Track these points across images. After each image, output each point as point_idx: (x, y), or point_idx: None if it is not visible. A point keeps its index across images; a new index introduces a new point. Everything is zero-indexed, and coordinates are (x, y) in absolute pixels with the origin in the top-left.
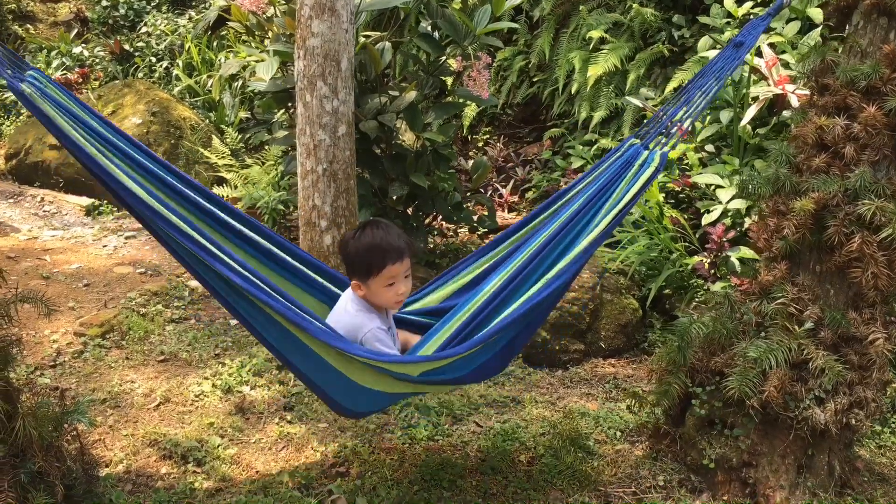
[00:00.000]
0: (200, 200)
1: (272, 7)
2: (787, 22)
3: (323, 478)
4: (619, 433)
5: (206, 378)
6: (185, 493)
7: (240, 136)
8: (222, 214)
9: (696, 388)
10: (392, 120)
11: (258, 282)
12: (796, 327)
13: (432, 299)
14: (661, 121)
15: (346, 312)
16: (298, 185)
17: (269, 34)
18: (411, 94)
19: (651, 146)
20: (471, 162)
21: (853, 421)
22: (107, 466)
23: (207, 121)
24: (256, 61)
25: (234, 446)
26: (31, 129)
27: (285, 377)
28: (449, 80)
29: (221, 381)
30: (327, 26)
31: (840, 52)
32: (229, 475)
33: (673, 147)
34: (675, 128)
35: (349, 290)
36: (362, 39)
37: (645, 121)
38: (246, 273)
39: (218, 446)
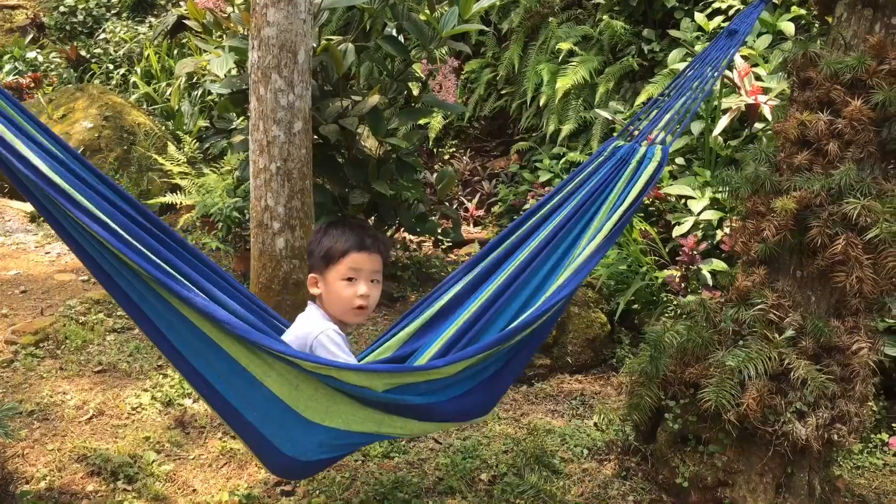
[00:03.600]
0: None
1: (230, 6)
2: (759, 35)
3: (266, 497)
4: (586, 451)
5: (146, 390)
6: None
7: (198, 146)
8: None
9: (668, 400)
10: (353, 124)
11: (173, 272)
12: (776, 335)
13: (392, 345)
14: (654, 116)
15: (297, 323)
16: (251, 185)
17: (227, 32)
18: (374, 98)
19: (645, 143)
20: (436, 175)
21: (835, 437)
22: (27, 483)
23: (165, 128)
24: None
25: (171, 462)
26: None
27: None
28: (415, 88)
29: (162, 393)
30: (283, 15)
31: (821, 44)
32: (163, 494)
33: (673, 141)
34: (674, 121)
35: (307, 308)
36: (325, 42)
37: (630, 120)
38: (159, 261)
39: (153, 462)
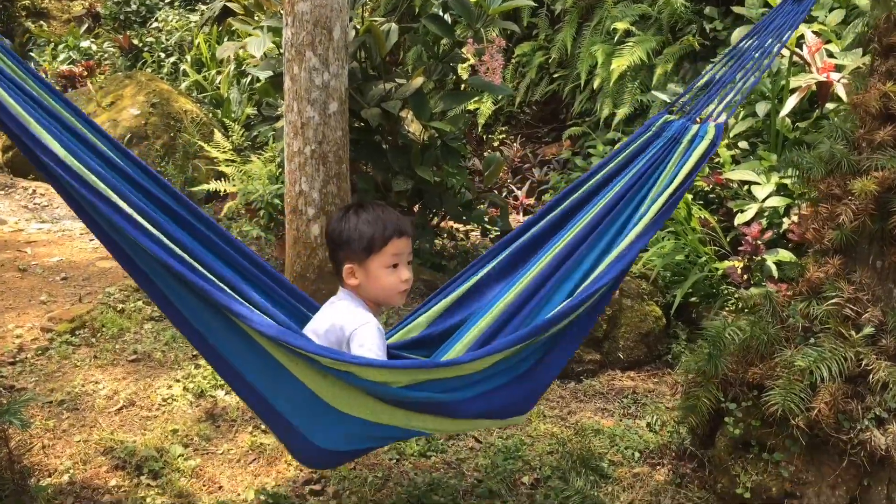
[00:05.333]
0: (144, 183)
1: None
2: (830, 10)
3: (294, 497)
4: (637, 454)
5: (178, 380)
6: None
7: (245, 134)
8: (174, 205)
9: (729, 403)
10: (396, 107)
11: (198, 266)
12: (852, 333)
13: (420, 323)
14: (709, 89)
15: (333, 309)
16: (285, 169)
17: (267, 13)
18: (418, 80)
19: (701, 119)
20: (484, 161)
21: None
22: (49, 475)
23: (212, 115)
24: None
25: (198, 457)
26: None
27: None
28: (463, 71)
29: (194, 384)
30: None
31: None
32: (187, 490)
33: (727, 118)
34: (731, 98)
35: (336, 295)
36: (368, 21)
37: (680, 95)
38: (184, 255)
39: (179, 457)
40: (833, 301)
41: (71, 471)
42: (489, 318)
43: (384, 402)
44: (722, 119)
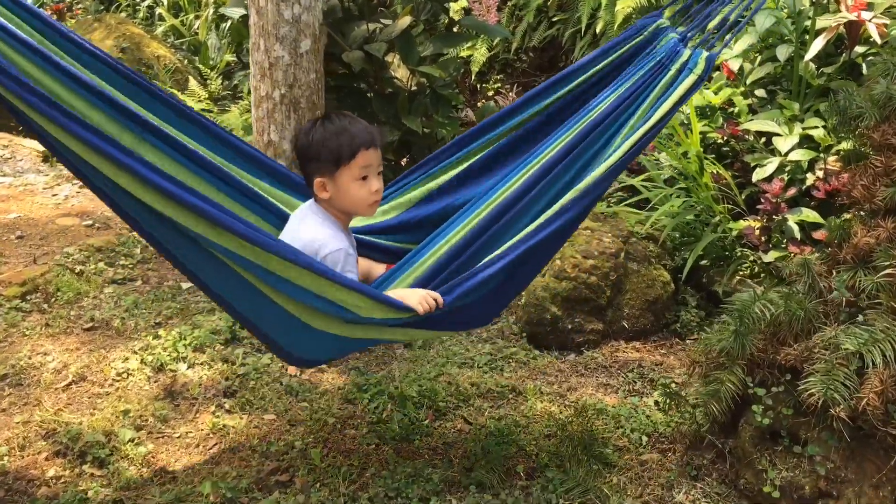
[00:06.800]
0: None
1: None
2: None
3: (256, 489)
4: (645, 438)
5: (135, 352)
6: None
7: (224, 83)
8: (142, 113)
9: (756, 388)
10: (381, 50)
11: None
12: None
13: (394, 205)
14: (704, 8)
15: (304, 225)
16: (252, 116)
17: None
18: (405, 20)
19: (692, 44)
20: (477, 111)
21: None
22: None
23: (188, 62)
24: None
25: (151, 442)
26: None
27: (231, 354)
28: (455, 14)
29: (153, 356)
30: None
31: None
32: (135, 481)
33: (721, 49)
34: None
35: (307, 203)
36: None
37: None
38: (165, 171)
39: (129, 442)
40: (886, 271)
41: (6, 458)
42: (445, 245)
43: (359, 325)
44: (715, 49)
